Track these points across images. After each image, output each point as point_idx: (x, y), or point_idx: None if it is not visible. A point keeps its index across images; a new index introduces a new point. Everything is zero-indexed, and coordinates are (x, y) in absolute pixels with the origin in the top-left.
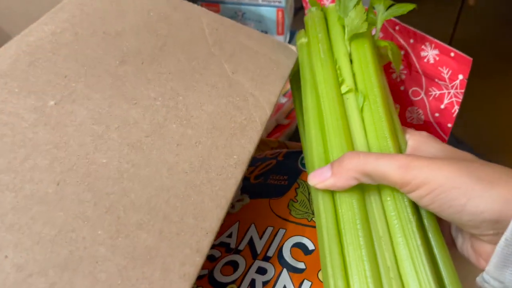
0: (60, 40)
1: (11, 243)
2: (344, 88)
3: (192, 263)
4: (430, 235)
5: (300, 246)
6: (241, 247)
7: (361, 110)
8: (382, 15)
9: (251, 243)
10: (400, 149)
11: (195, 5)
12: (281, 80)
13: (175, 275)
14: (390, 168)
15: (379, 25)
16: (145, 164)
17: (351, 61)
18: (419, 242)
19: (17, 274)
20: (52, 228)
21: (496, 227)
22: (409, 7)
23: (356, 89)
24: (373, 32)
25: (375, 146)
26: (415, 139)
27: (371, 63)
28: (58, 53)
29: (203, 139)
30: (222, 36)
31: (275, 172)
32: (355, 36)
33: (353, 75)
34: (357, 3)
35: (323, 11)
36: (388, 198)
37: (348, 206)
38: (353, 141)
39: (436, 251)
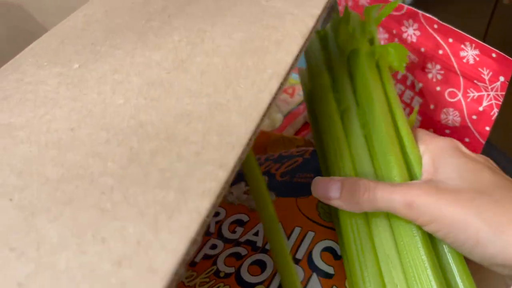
0: (91, 19)
1: (17, 187)
2: (342, 107)
3: (214, 178)
4: (445, 247)
5: (330, 250)
6: (268, 246)
7: (363, 127)
8: (372, 21)
9: None
10: (405, 167)
11: None
12: None
13: (193, 194)
14: (397, 204)
15: (374, 31)
16: (165, 96)
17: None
18: (424, 257)
19: (19, 213)
20: (61, 169)
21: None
22: (394, 4)
23: (357, 105)
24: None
25: (377, 164)
26: (431, 153)
27: (368, 76)
28: (88, 29)
29: (232, 63)
30: None
31: (302, 171)
32: (351, 53)
33: (353, 91)
34: (343, 21)
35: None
36: (394, 216)
37: (350, 226)
38: (356, 159)
39: (451, 261)
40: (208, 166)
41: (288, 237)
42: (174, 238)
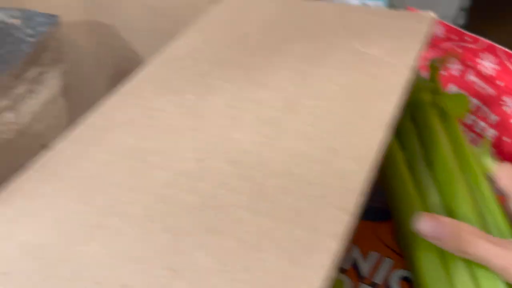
0: (193, 49)
1: (162, 212)
2: (408, 155)
3: (340, 222)
4: None
5: (408, 280)
6: (345, 267)
7: (432, 175)
8: (435, 72)
9: (354, 264)
10: (480, 215)
11: (315, 1)
12: (418, 44)
13: (323, 234)
14: (494, 266)
15: (437, 81)
16: (280, 136)
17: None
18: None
19: (169, 237)
20: (197, 197)
21: None
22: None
23: (424, 153)
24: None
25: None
26: None
27: (433, 125)
28: (193, 59)
29: (338, 109)
30: (347, 19)
31: (378, 195)
32: (415, 102)
33: (418, 139)
34: None
35: None
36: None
37: (427, 267)
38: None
39: None
40: (332, 208)
41: (365, 259)
42: (314, 274)
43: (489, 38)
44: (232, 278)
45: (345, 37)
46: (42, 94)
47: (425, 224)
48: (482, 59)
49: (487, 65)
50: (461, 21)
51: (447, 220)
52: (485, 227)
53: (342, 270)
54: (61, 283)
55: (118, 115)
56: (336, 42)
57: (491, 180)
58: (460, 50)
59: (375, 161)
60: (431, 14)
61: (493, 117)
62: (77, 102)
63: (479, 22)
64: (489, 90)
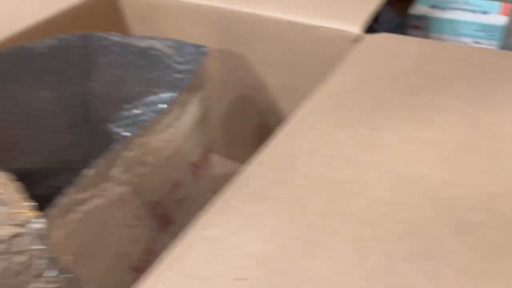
0: (350, 87)
1: (372, 236)
2: None
3: None
4: None
5: None
6: None
7: None
8: None
9: None
10: None
11: (459, 44)
12: None
13: None
14: None
15: None
16: (465, 174)
17: None
18: None
19: (383, 259)
20: (401, 225)
21: None
22: None
23: None
24: None
25: None
26: None
27: None
28: (352, 97)
29: None
30: (497, 62)
31: None
32: None
33: None
34: None
35: None
36: None
37: None
38: None
39: None
40: None
41: None
42: None
43: None
44: None
45: (503, 81)
46: (189, 117)
47: None
48: None
49: None
50: None
51: None
52: None
53: None
54: None
55: (299, 145)
56: (495, 85)
57: None
58: None
59: None
60: None
61: None
62: None
63: None
64: None
